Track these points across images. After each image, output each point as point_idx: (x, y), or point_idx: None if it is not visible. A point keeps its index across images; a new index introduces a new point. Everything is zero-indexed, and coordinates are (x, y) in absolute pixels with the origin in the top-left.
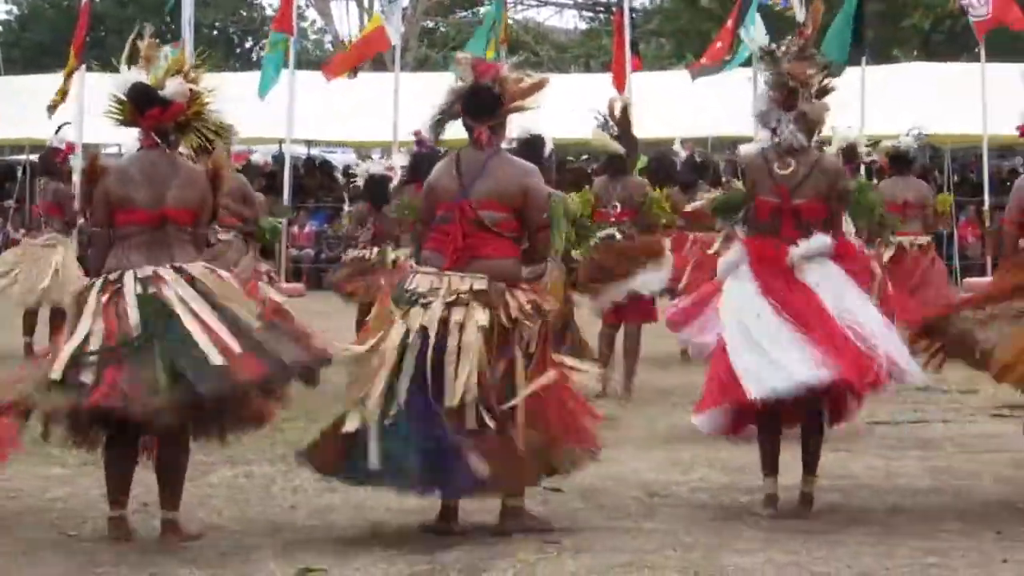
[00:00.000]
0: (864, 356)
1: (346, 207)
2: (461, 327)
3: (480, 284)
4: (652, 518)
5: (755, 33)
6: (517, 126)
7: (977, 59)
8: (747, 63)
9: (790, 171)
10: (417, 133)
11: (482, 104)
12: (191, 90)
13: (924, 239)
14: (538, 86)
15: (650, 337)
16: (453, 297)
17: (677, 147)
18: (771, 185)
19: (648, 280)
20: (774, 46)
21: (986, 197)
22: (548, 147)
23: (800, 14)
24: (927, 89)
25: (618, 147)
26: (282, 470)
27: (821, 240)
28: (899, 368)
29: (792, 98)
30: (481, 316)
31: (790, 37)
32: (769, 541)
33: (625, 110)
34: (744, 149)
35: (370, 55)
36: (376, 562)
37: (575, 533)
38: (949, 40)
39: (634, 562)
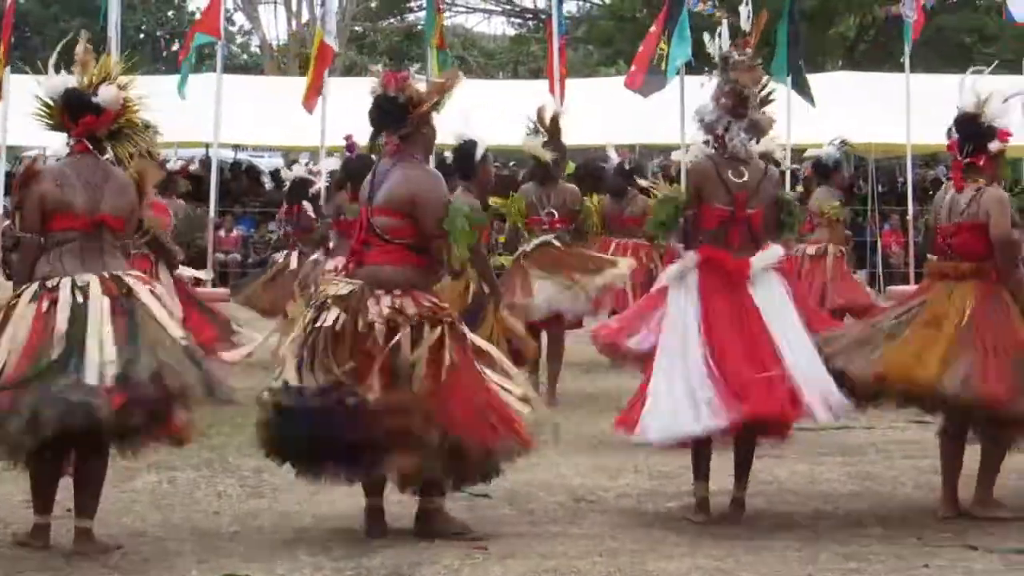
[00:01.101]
0: (785, 389)
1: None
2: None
3: (344, 290)
4: (579, 523)
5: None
6: (451, 132)
7: (901, 69)
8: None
9: (744, 180)
10: (348, 137)
11: (385, 114)
12: (124, 98)
13: (837, 249)
14: (446, 86)
15: (576, 342)
16: (321, 302)
17: (611, 153)
18: (724, 194)
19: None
20: (726, 54)
21: (910, 206)
22: (480, 152)
23: (745, 24)
24: (852, 98)
25: (547, 154)
26: (206, 475)
27: (775, 251)
28: (818, 405)
29: (743, 106)
30: (331, 316)
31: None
32: (695, 546)
33: (555, 117)
34: (679, 155)
35: (327, 67)
36: (301, 568)
37: (501, 538)
38: (874, 50)
39: (560, 567)
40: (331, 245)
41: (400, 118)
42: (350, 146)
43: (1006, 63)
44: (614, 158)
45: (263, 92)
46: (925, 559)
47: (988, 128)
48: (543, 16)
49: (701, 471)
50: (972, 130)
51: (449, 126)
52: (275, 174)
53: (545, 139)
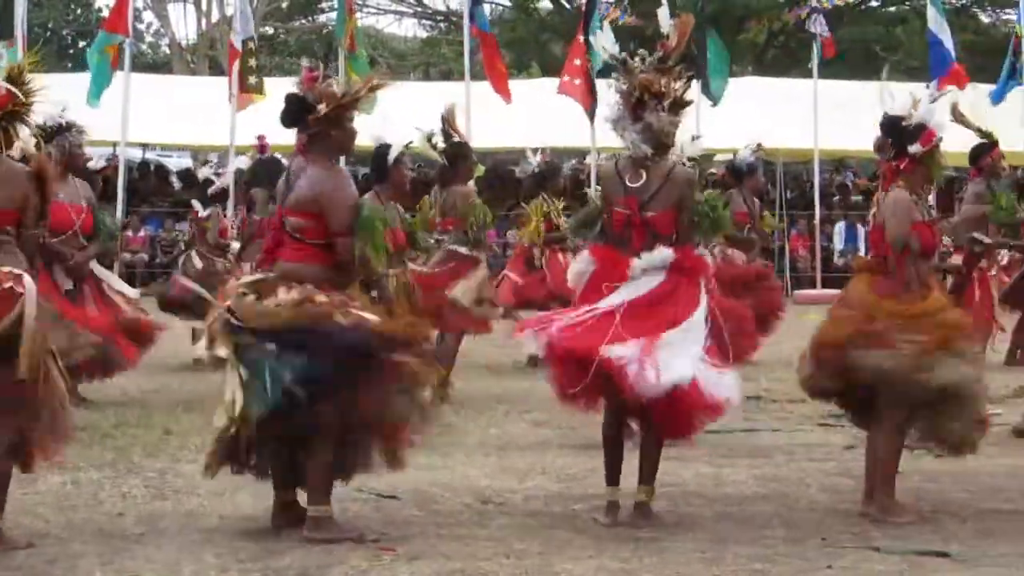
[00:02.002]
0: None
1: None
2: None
3: (259, 277)
4: (485, 525)
5: (605, 42)
6: (369, 135)
7: (810, 75)
8: (602, 73)
9: (641, 183)
10: (260, 138)
11: (289, 114)
12: (8, 89)
13: (750, 255)
14: (363, 89)
15: (484, 345)
16: (233, 292)
17: (530, 156)
18: (622, 197)
19: (463, 290)
20: (624, 56)
21: (817, 210)
22: (393, 154)
23: (665, 27)
24: (761, 103)
25: (434, 154)
26: (110, 476)
27: (662, 254)
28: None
29: (639, 109)
30: (247, 299)
31: (640, 50)
32: (600, 548)
33: (451, 118)
34: (590, 159)
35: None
36: (207, 570)
37: (408, 540)
38: (783, 55)
39: (467, 569)
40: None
41: (302, 118)
42: (262, 147)
43: (912, 70)
44: (533, 162)
45: (172, 91)
46: (829, 560)
47: (911, 131)
48: (454, 18)
49: (610, 475)
50: (895, 133)
51: (369, 128)
52: (184, 174)
53: (448, 140)
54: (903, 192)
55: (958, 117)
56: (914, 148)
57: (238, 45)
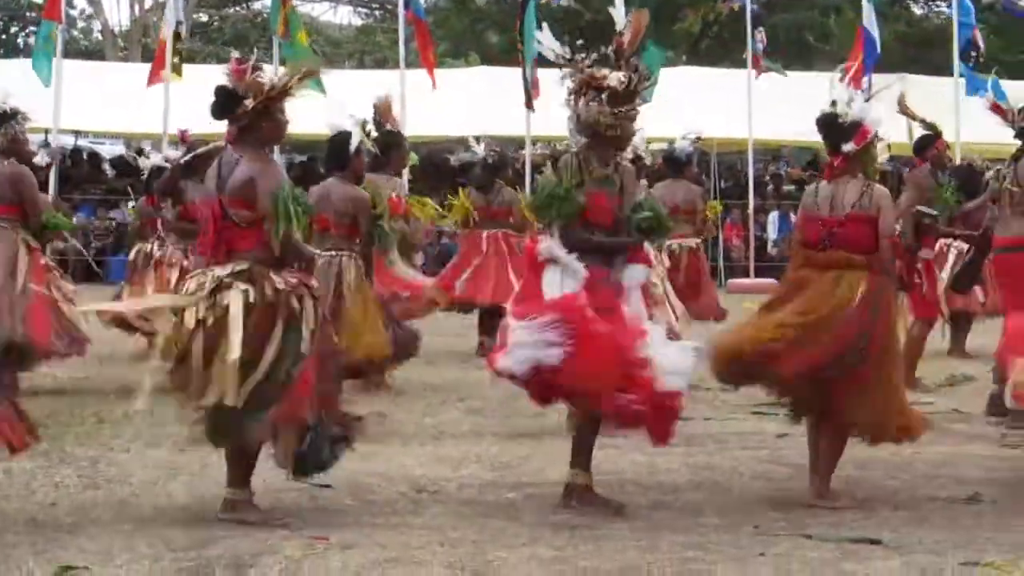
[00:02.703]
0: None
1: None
2: (227, 305)
3: (241, 266)
4: (420, 514)
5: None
6: (326, 124)
7: (744, 65)
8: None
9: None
10: (183, 132)
11: (219, 105)
12: None
13: (693, 242)
14: (293, 79)
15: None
16: (216, 284)
17: (473, 145)
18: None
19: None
20: (571, 53)
21: (751, 200)
22: (355, 143)
23: (620, 22)
24: (696, 93)
25: (370, 145)
26: (43, 466)
27: (555, 242)
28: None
29: (576, 102)
30: (242, 287)
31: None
32: (535, 536)
33: (387, 108)
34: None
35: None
36: (140, 559)
37: (342, 529)
38: (717, 45)
39: (401, 558)
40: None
41: (231, 109)
42: (184, 140)
43: (845, 60)
44: (478, 151)
45: (104, 78)
46: (762, 548)
47: (846, 128)
48: (389, 6)
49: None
50: (830, 131)
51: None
52: (117, 161)
53: (380, 129)
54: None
55: (904, 109)
56: (848, 147)
57: (169, 33)
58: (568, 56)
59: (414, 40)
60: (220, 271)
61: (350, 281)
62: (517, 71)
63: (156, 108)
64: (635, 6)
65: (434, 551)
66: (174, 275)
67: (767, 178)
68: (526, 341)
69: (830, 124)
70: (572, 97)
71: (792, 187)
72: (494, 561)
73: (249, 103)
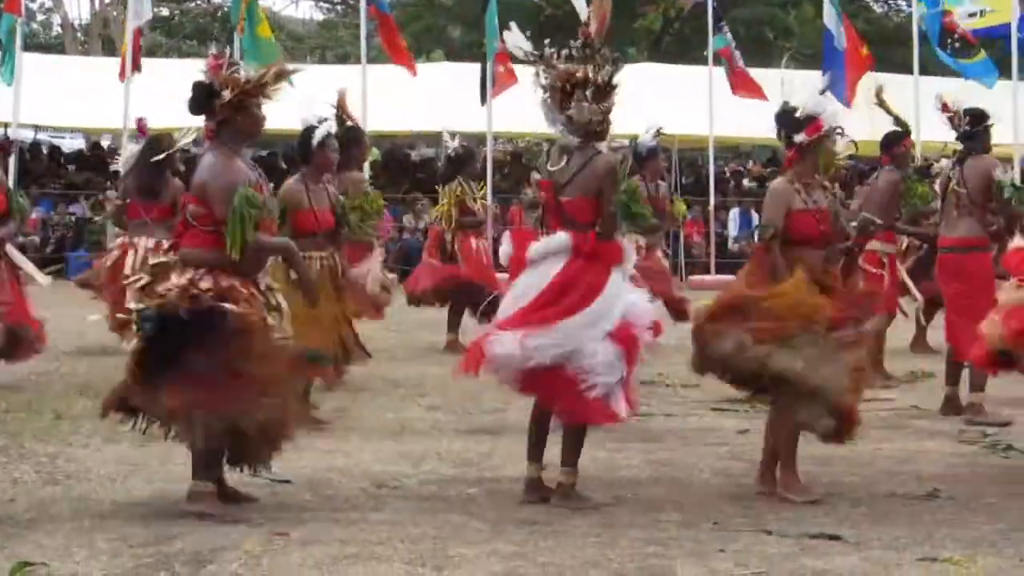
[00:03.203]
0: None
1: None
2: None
3: (161, 260)
4: (380, 509)
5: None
6: (297, 118)
7: (704, 62)
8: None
9: (558, 168)
10: (139, 120)
11: (196, 100)
12: None
13: (653, 238)
14: (269, 75)
15: (380, 330)
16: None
17: (447, 139)
18: (542, 181)
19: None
20: (543, 50)
21: (711, 197)
22: (318, 137)
23: (583, 13)
24: (657, 89)
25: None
26: (1, 462)
27: (559, 239)
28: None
29: (566, 100)
30: (143, 280)
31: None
32: (496, 532)
33: (344, 103)
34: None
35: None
36: (99, 555)
37: (302, 524)
38: (678, 42)
39: (361, 553)
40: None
41: (207, 106)
42: (141, 128)
43: (806, 57)
44: (451, 145)
45: (64, 72)
46: (722, 544)
47: (798, 121)
48: (351, 1)
49: (532, 452)
50: (785, 123)
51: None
52: (79, 155)
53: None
54: (782, 182)
55: (880, 103)
56: (800, 138)
57: (131, 29)
58: (538, 53)
59: (376, 35)
60: (153, 259)
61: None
62: (478, 67)
63: (116, 102)
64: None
65: (394, 547)
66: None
67: (728, 175)
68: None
69: (786, 117)
70: (549, 95)
71: (754, 184)
72: (454, 557)
73: (226, 96)
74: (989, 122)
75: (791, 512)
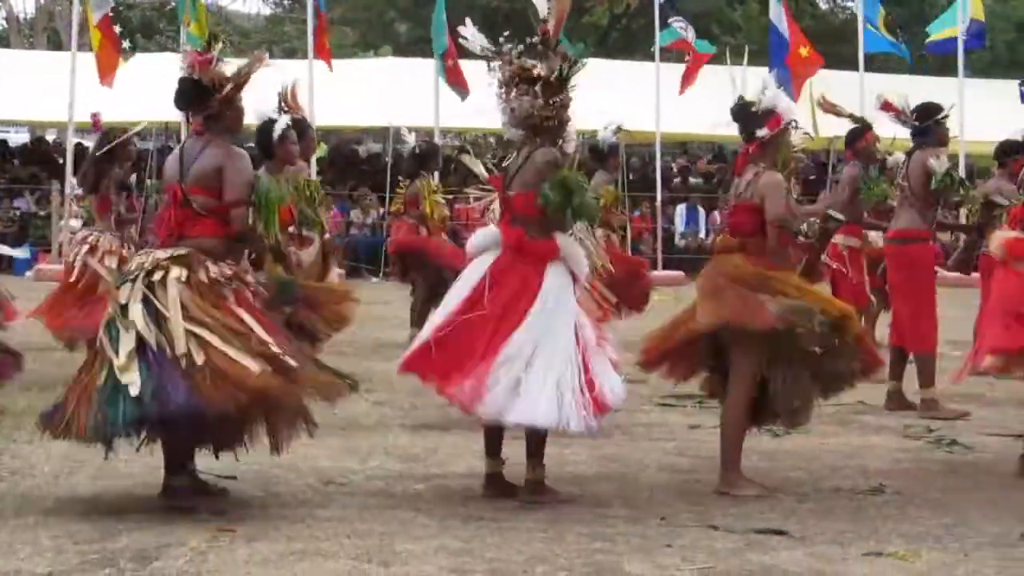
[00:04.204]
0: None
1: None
2: (164, 284)
3: (180, 251)
4: (327, 506)
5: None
6: (253, 112)
7: (652, 58)
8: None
9: (508, 163)
10: (94, 115)
11: (185, 96)
12: None
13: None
14: (250, 69)
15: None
16: (153, 266)
17: (405, 135)
18: (491, 177)
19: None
20: (499, 45)
21: (658, 193)
22: (279, 130)
23: (542, 9)
24: (604, 86)
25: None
26: None
27: (489, 233)
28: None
29: (506, 94)
30: (177, 271)
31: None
32: (443, 528)
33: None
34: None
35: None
36: (43, 552)
37: (249, 521)
38: (625, 38)
39: (307, 549)
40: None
41: (199, 100)
42: (95, 123)
43: (751, 54)
44: (410, 141)
45: (10, 66)
46: (668, 539)
47: (758, 116)
48: None
49: (489, 447)
50: (744, 118)
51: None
52: (23, 149)
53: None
54: (774, 174)
55: (828, 107)
56: (761, 132)
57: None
58: (495, 49)
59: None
60: (161, 254)
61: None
62: (426, 62)
63: (62, 96)
64: None
65: (341, 543)
66: (113, 263)
67: (675, 170)
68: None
69: (744, 112)
70: (503, 90)
71: (700, 180)
72: (401, 553)
73: (222, 92)
74: (940, 115)
75: (737, 507)
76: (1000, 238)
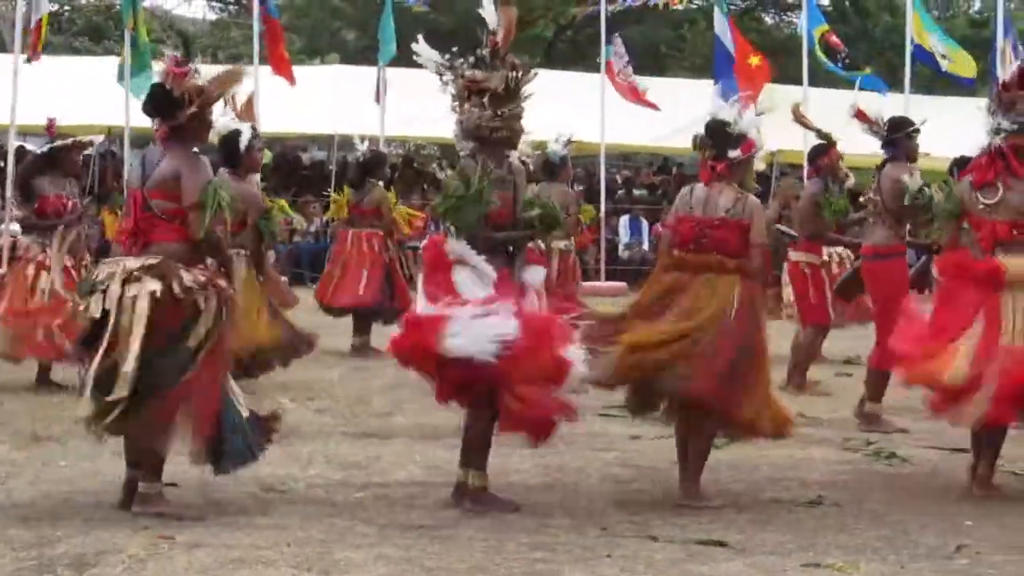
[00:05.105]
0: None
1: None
2: (135, 300)
3: (153, 260)
4: (267, 513)
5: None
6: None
7: (597, 69)
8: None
9: None
10: (50, 121)
11: (155, 104)
12: None
13: (562, 244)
14: (225, 83)
15: None
16: (126, 276)
17: (357, 144)
18: None
19: None
20: (449, 58)
21: (603, 204)
22: (245, 139)
23: (492, 21)
24: (549, 97)
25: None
26: None
27: (462, 244)
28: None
29: (460, 108)
30: (152, 285)
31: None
32: (383, 536)
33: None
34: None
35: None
36: None
37: (188, 528)
38: (571, 50)
39: (247, 557)
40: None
41: (168, 109)
42: (50, 127)
43: (697, 68)
44: (361, 150)
45: None
46: (609, 549)
47: (733, 137)
48: (244, 1)
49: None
50: (719, 137)
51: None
52: None
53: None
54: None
55: (799, 118)
56: (734, 154)
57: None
58: (446, 63)
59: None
60: (131, 263)
61: (241, 278)
62: (371, 70)
63: (4, 98)
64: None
65: (281, 551)
66: (31, 270)
67: (620, 182)
68: (477, 329)
69: (719, 131)
70: (457, 103)
71: (644, 191)
72: (341, 561)
73: (193, 106)
74: (910, 129)
75: (677, 518)
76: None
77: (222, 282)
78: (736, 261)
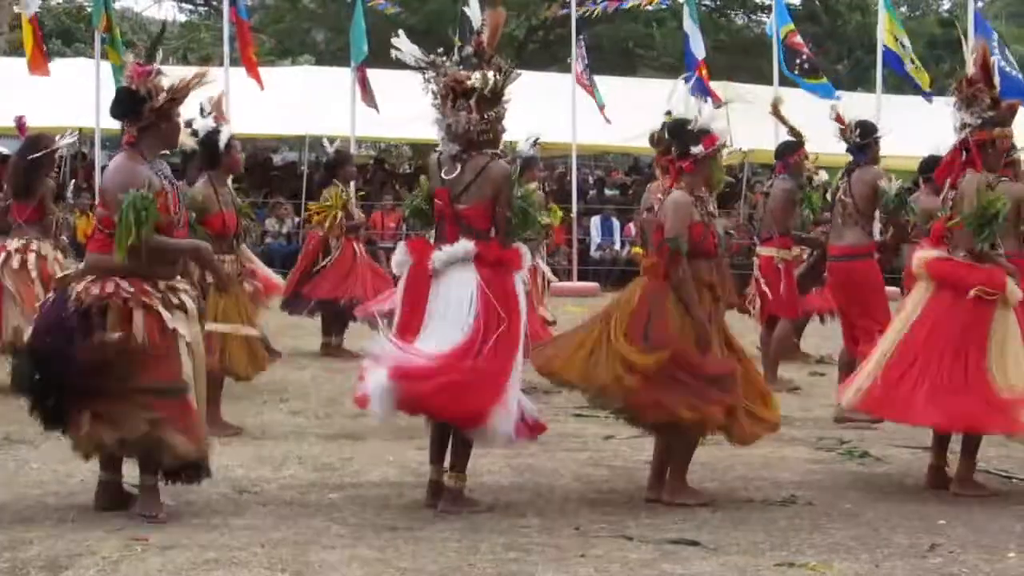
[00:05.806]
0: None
1: None
2: None
3: (68, 270)
4: (241, 514)
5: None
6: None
7: (568, 69)
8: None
9: (453, 176)
10: (19, 118)
11: (120, 105)
12: None
13: (532, 246)
14: (190, 83)
15: None
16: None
17: (326, 144)
18: (438, 189)
19: None
20: (433, 56)
21: (574, 204)
22: (224, 140)
23: (476, 21)
24: (520, 97)
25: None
26: None
27: (462, 247)
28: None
29: (443, 109)
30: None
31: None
32: (356, 537)
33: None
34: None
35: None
36: None
37: (162, 530)
38: (542, 50)
39: (221, 558)
40: None
41: (133, 111)
42: (20, 126)
43: (667, 67)
44: (329, 150)
45: None
46: (582, 549)
47: (694, 134)
48: (214, 2)
49: (433, 454)
50: (680, 135)
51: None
52: None
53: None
54: (681, 193)
55: (776, 113)
56: (696, 149)
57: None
58: (429, 61)
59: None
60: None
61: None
62: (343, 71)
63: None
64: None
65: (255, 552)
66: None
67: (591, 182)
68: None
69: (679, 129)
70: (440, 103)
71: (616, 192)
72: (315, 562)
73: (157, 103)
74: (877, 134)
75: (651, 518)
76: (922, 258)
77: (145, 294)
78: (651, 261)
